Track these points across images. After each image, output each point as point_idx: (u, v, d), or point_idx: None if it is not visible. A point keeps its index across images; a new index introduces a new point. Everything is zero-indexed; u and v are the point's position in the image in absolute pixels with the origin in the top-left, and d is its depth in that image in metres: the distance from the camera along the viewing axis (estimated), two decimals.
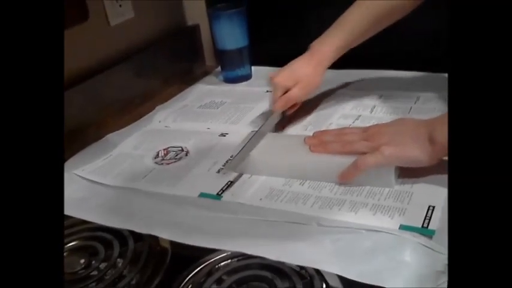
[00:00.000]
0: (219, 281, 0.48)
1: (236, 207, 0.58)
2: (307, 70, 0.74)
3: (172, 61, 1.03)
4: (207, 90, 0.96)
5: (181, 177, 0.66)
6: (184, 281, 0.49)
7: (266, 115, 0.79)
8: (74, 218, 0.60)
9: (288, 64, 0.76)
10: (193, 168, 0.68)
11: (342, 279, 0.46)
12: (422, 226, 0.51)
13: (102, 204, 0.62)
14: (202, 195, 0.61)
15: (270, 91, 0.78)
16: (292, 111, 0.77)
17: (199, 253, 0.52)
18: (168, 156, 0.72)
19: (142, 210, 0.60)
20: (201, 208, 0.59)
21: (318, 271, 0.47)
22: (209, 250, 0.52)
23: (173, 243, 0.54)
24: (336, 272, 0.46)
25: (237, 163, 0.64)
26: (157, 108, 0.89)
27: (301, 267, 0.48)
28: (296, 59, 0.76)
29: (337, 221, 0.53)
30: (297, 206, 0.57)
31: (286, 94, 0.74)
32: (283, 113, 0.75)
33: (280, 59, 0.78)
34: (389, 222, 0.52)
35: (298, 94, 0.74)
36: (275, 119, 0.74)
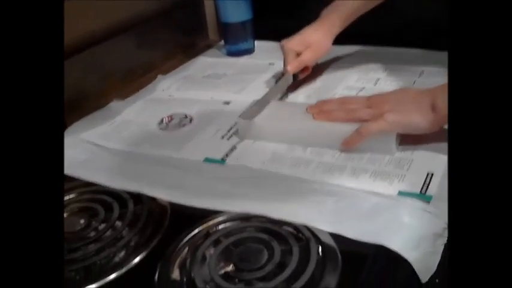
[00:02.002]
0: (216, 243, 0.48)
1: (239, 170, 0.59)
2: (317, 35, 0.78)
3: (175, 33, 1.03)
4: (210, 62, 0.97)
5: (185, 142, 0.67)
6: (182, 243, 0.49)
7: (271, 84, 0.81)
8: (76, 180, 0.60)
9: (299, 32, 0.79)
10: (197, 134, 0.69)
11: (337, 241, 0.47)
12: (421, 192, 0.52)
13: (105, 167, 0.63)
14: (207, 160, 0.62)
15: (273, 64, 0.81)
16: (304, 75, 0.80)
17: (197, 216, 0.52)
18: (172, 123, 0.73)
19: (146, 173, 0.61)
20: (206, 172, 0.60)
21: (314, 234, 0.48)
22: (207, 213, 0.52)
23: (172, 207, 0.55)
24: (335, 232, 0.47)
25: (254, 111, 0.66)
26: (159, 77, 0.89)
27: (298, 230, 0.48)
28: (307, 26, 0.79)
29: (338, 185, 0.55)
30: (299, 170, 0.58)
31: (299, 57, 0.77)
32: (294, 76, 0.78)
33: (283, 34, 0.80)
34: (388, 188, 0.53)
35: (309, 56, 0.78)
36: (288, 81, 0.77)
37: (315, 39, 0.78)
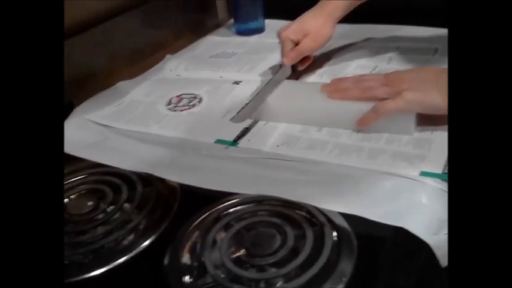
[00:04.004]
0: (227, 226, 0.47)
1: (253, 153, 0.57)
2: (317, 22, 0.72)
3: (184, 12, 1.00)
4: (219, 41, 0.95)
5: (195, 123, 0.65)
6: (192, 226, 0.48)
7: (278, 66, 0.77)
8: (84, 161, 0.59)
9: (298, 18, 0.74)
10: (207, 115, 0.67)
11: (352, 225, 0.45)
12: (443, 172, 0.50)
13: (114, 148, 0.62)
14: (219, 141, 0.61)
15: None
16: (304, 66, 0.75)
17: (208, 198, 0.51)
18: (181, 103, 0.71)
19: (155, 155, 0.59)
20: (217, 153, 0.58)
21: (328, 218, 0.46)
22: (218, 195, 0.51)
23: (182, 189, 0.53)
24: (354, 213, 0.45)
25: (247, 113, 0.63)
26: (167, 57, 0.87)
27: (312, 215, 0.47)
28: (306, 12, 0.74)
29: (356, 167, 0.53)
30: (314, 152, 0.56)
31: (296, 47, 0.72)
32: (294, 67, 0.73)
33: (293, 13, 0.76)
34: (409, 169, 0.51)
35: (308, 46, 0.72)
36: (285, 73, 0.71)
37: (314, 26, 0.71)
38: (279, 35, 0.73)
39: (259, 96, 0.64)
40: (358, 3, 0.73)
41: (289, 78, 0.71)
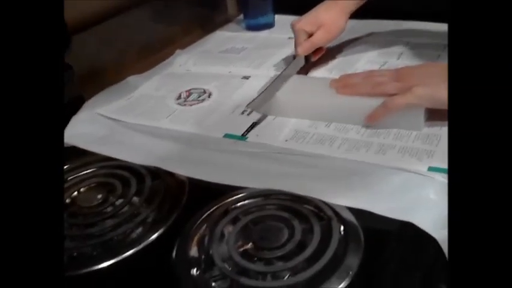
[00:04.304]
0: (235, 220, 0.47)
1: (262, 147, 0.57)
2: (330, 14, 0.73)
3: (194, 7, 1.01)
4: (228, 37, 0.95)
5: (204, 118, 0.65)
6: (200, 220, 0.48)
7: (289, 60, 0.77)
8: (94, 155, 0.60)
9: (311, 10, 0.74)
10: (216, 110, 0.67)
11: (359, 220, 0.45)
12: None
13: (124, 142, 0.62)
14: (227, 135, 0.61)
15: (293, 38, 0.75)
16: (317, 57, 0.75)
17: (216, 192, 0.51)
18: (190, 98, 0.71)
19: (165, 149, 0.59)
20: (225, 148, 0.58)
21: (336, 212, 0.46)
22: (226, 189, 0.51)
23: (190, 183, 0.53)
24: (362, 207, 0.45)
25: (259, 103, 0.63)
26: (177, 52, 0.88)
27: (319, 209, 0.47)
28: (320, 4, 0.74)
29: (365, 162, 0.53)
30: (323, 147, 0.56)
31: (310, 38, 0.72)
32: (307, 58, 0.74)
33: (303, 8, 0.76)
34: (417, 164, 0.51)
35: (321, 38, 0.73)
36: (298, 64, 0.72)
37: (328, 18, 0.72)
38: (292, 26, 0.74)
39: (273, 86, 0.64)
40: None
41: (301, 69, 0.72)
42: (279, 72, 0.70)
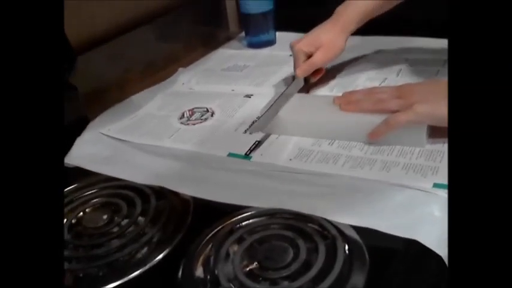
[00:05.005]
0: (240, 240, 0.47)
1: (266, 167, 0.58)
2: (330, 35, 0.73)
3: (196, 25, 1.02)
4: (230, 54, 0.96)
5: (208, 137, 0.66)
6: (205, 240, 0.48)
7: (289, 81, 0.77)
8: (99, 175, 0.60)
9: (311, 30, 0.75)
10: (219, 129, 0.67)
11: (364, 239, 0.45)
12: None
13: (128, 162, 0.62)
14: (231, 155, 0.61)
15: None
16: (316, 78, 0.75)
17: (221, 212, 0.51)
18: (193, 117, 0.71)
19: (169, 168, 0.60)
20: (230, 167, 0.59)
21: (340, 231, 0.46)
22: (231, 209, 0.51)
23: (195, 202, 0.53)
24: (367, 226, 0.45)
25: (260, 126, 0.63)
26: (180, 70, 0.88)
27: (323, 228, 0.47)
28: (320, 25, 0.74)
29: (369, 179, 0.53)
30: (328, 165, 0.56)
31: (309, 60, 0.72)
32: (306, 80, 0.74)
33: (305, 25, 0.77)
34: (422, 181, 0.51)
35: (320, 59, 0.72)
36: (298, 85, 0.72)
37: (327, 39, 0.72)
38: (291, 47, 0.74)
39: (273, 108, 0.64)
40: (371, 17, 0.73)
41: (301, 90, 0.72)
42: (280, 91, 0.70)
